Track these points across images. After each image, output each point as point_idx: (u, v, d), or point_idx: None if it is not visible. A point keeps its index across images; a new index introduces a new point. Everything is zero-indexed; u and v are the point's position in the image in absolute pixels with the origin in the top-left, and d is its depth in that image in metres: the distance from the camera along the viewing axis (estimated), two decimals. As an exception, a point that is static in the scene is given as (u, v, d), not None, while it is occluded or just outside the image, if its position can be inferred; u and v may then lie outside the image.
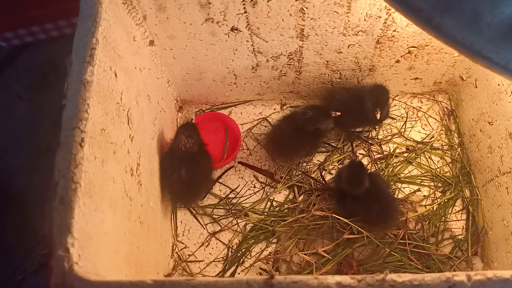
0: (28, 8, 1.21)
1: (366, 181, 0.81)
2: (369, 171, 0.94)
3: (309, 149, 0.94)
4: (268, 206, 0.94)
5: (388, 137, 1.00)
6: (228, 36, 0.84)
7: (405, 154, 0.98)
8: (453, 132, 1.01)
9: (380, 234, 0.86)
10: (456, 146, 0.99)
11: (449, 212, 0.92)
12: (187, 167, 0.83)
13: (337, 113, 0.90)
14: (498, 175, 0.84)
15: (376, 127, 1.01)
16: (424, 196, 0.94)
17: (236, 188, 0.97)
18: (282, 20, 0.80)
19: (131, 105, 0.70)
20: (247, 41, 0.86)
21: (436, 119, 1.03)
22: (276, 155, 0.98)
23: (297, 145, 0.91)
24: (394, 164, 0.97)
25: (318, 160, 0.99)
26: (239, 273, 0.88)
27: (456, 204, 0.93)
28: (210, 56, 0.89)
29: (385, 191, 0.85)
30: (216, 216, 0.94)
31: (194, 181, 0.84)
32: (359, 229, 0.82)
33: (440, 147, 0.99)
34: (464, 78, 0.98)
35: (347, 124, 0.97)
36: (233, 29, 0.82)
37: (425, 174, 0.96)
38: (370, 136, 1.01)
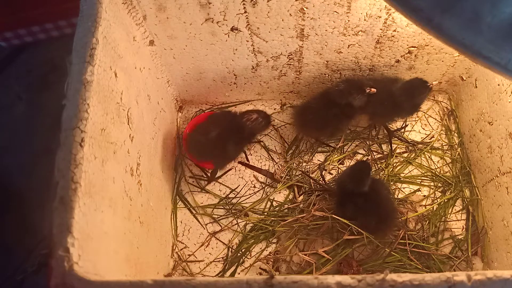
0: (28, 8, 1.21)
1: (367, 181, 0.80)
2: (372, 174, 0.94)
3: (335, 128, 0.92)
4: (268, 206, 0.94)
5: (388, 137, 1.00)
6: (228, 36, 0.84)
7: (405, 154, 0.98)
8: (453, 132, 1.01)
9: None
10: (456, 146, 0.99)
11: (449, 212, 0.92)
12: (226, 136, 0.86)
13: (372, 89, 0.86)
14: (498, 175, 0.84)
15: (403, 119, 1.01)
16: (424, 196, 0.94)
17: (236, 188, 0.97)
18: (282, 20, 0.80)
19: (131, 105, 0.70)
20: (247, 41, 0.86)
21: (436, 119, 1.03)
22: (300, 129, 0.96)
23: (323, 121, 0.89)
24: (394, 164, 0.97)
25: (318, 160, 0.99)
26: (239, 273, 0.88)
27: (456, 204, 0.93)
28: (210, 56, 0.89)
29: (386, 200, 0.84)
30: (216, 216, 0.94)
31: (225, 147, 0.86)
32: (359, 229, 0.82)
33: (440, 147, 0.99)
34: (464, 78, 0.98)
35: (380, 116, 0.94)
36: (233, 29, 0.82)
37: (425, 174, 0.96)
38: (371, 135, 1.01)
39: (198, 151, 0.90)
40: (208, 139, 0.86)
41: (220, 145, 0.87)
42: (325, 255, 0.85)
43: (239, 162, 0.99)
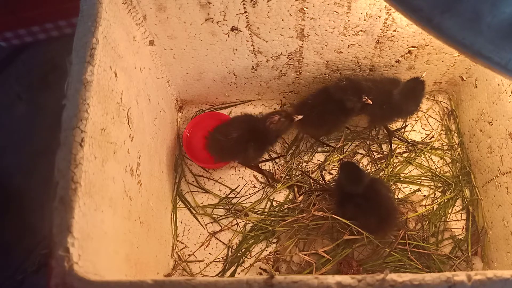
0: (28, 8, 1.21)
1: (364, 177, 0.80)
2: (371, 175, 0.94)
3: (332, 125, 0.93)
4: (268, 206, 0.94)
5: (388, 137, 1.00)
6: (228, 36, 0.84)
7: (405, 154, 0.98)
8: (453, 132, 1.01)
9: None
10: (456, 146, 0.99)
11: (449, 212, 0.92)
12: (250, 139, 0.87)
13: (369, 100, 0.86)
14: (498, 175, 0.84)
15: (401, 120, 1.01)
16: (424, 196, 0.94)
17: (236, 188, 0.97)
18: (282, 20, 0.80)
19: (131, 105, 0.70)
20: (247, 41, 0.86)
21: (436, 119, 1.03)
22: (298, 126, 0.95)
23: (320, 118, 0.89)
24: (394, 164, 0.97)
25: (318, 160, 0.99)
26: (239, 273, 0.88)
27: (456, 204, 0.93)
28: (210, 56, 0.89)
29: (386, 199, 0.83)
30: (216, 216, 0.94)
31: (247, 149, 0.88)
32: (359, 229, 0.82)
33: (440, 147, 0.99)
34: (464, 78, 0.98)
35: (380, 119, 0.94)
36: (233, 29, 0.82)
37: (425, 174, 0.96)
38: (371, 135, 1.01)
39: (217, 151, 0.91)
40: (229, 140, 0.87)
41: (241, 148, 0.88)
42: (325, 255, 0.85)
43: (239, 162, 1.00)
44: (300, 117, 0.87)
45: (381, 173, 0.96)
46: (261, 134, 0.88)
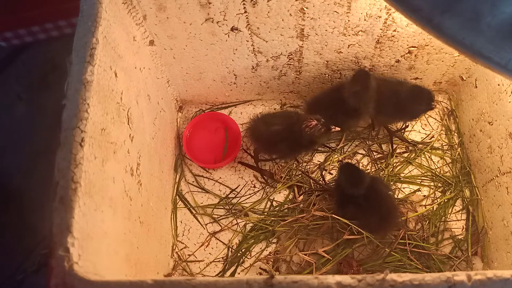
0: (28, 8, 1.21)
1: (365, 178, 0.80)
2: (370, 174, 0.94)
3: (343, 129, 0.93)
4: (268, 206, 0.94)
5: (388, 137, 1.00)
6: (228, 36, 0.84)
7: (405, 154, 0.98)
8: (453, 132, 1.01)
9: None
10: (456, 146, 0.99)
11: (449, 212, 0.92)
12: (285, 137, 0.86)
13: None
14: (498, 175, 0.84)
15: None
16: (424, 196, 0.94)
17: (236, 188, 0.97)
18: (282, 20, 0.80)
19: (131, 105, 0.70)
20: (247, 41, 0.86)
21: (436, 119, 1.03)
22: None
23: (333, 121, 0.87)
24: (394, 164, 0.97)
25: (318, 161, 0.99)
26: (239, 273, 0.88)
27: (456, 204, 0.93)
28: (210, 56, 0.89)
29: (386, 198, 0.83)
30: (216, 216, 0.94)
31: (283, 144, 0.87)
32: (359, 229, 0.82)
33: (440, 147, 0.99)
34: (464, 78, 0.98)
35: (386, 117, 0.94)
36: (233, 29, 0.82)
37: (425, 174, 0.96)
38: (371, 135, 1.01)
39: (255, 139, 0.92)
40: (269, 131, 0.88)
41: (277, 143, 0.88)
42: (325, 255, 0.85)
43: (239, 162, 1.00)
44: (338, 129, 0.86)
45: (381, 173, 0.96)
46: (296, 135, 0.86)
